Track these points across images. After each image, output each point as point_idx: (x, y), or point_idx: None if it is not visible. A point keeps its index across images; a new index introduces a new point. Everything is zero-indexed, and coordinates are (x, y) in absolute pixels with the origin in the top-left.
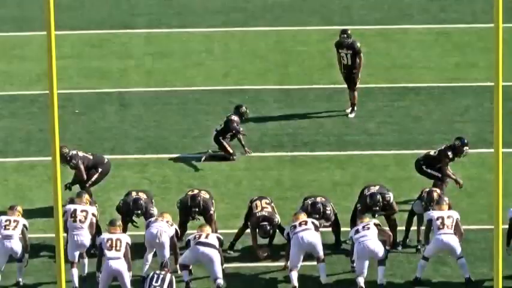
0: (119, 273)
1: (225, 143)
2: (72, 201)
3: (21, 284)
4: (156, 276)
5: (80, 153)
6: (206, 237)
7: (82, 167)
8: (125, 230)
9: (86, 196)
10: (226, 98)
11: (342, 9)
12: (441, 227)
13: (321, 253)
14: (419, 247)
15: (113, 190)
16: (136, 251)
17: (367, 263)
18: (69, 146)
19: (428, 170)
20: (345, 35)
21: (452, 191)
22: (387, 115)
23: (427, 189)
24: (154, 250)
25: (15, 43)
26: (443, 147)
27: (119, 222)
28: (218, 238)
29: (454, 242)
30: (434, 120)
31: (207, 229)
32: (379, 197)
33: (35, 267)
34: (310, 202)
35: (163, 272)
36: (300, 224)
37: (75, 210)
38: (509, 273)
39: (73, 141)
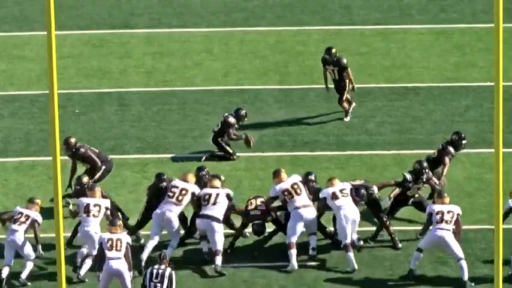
0: (119, 274)
1: (223, 144)
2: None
3: (21, 281)
4: (155, 272)
5: (86, 145)
6: (214, 203)
7: (91, 153)
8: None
9: (98, 188)
10: (226, 98)
11: (342, 9)
12: (439, 221)
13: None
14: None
15: (113, 190)
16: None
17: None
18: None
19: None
20: (328, 55)
21: (453, 191)
22: (387, 115)
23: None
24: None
25: (15, 43)
26: (442, 146)
27: (120, 222)
28: (227, 195)
29: (449, 237)
30: (434, 120)
31: (216, 182)
32: (363, 191)
33: (35, 268)
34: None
35: (162, 267)
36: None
37: (88, 205)
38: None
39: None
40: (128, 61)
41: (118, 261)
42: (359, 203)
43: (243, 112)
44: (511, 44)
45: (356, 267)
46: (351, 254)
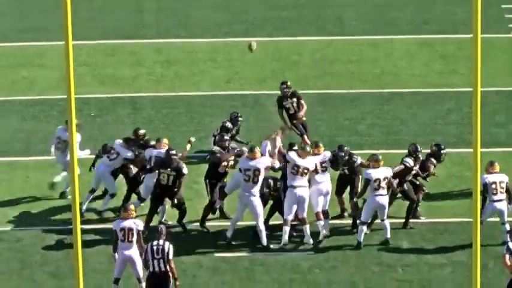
0: (131, 261)
1: None
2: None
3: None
4: (155, 248)
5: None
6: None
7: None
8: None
9: (165, 140)
10: (229, 102)
11: (335, 21)
12: (377, 187)
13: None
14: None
15: (125, 186)
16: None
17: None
18: (86, 145)
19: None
20: (285, 86)
21: (436, 187)
22: (376, 118)
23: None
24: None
25: (36, 52)
26: (425, 157)
27: (132, 206)
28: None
29: (384, 202)
30: (419, 122)
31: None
32: (346, 149)
33: (55, 257)
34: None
35: (161, 242)
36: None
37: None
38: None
39: (89, 141)
40: (139, 69)
41: (130, 250)
42: (340, 165)
43: (237, 116)
44: (488, 52)
45: (327, 233)
46: (321, 222)
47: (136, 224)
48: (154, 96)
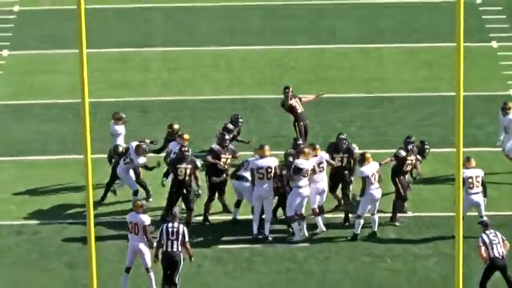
0: (140, 252)
1: None
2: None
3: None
4: (170, 230)
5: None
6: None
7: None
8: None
9: (186, 136)
10: (230, 105)
11: (328, 31)
12: (372, 182)
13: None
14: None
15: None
16: None
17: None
18: (99, 146)
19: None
20: (288, 90)
21: (422, 183)
22: (366, 120)
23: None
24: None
25: (53, 59)
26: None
27: (138, 202)
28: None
29: (379, 195)
30: (405, 124)
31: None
32: (345, 135)
33: (70, 248)
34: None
35: (175, 224)
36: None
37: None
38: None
39: (102, 141)
40: (147, 74)
41: (138, 242)
42: (340, 152)
43: (239, 118)
44: (470, 60)
45: (323, 229)
46: (319, 218)
47: (143, 219)
48: (162, 100)
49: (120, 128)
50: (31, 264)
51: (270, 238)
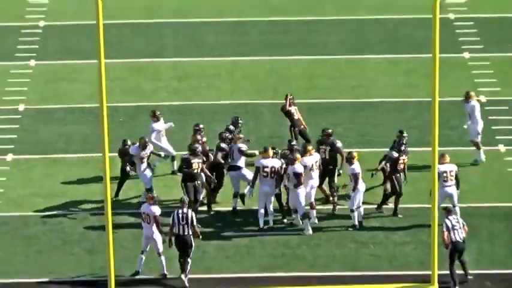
0: (152, 238)
1: None
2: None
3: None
4: (180, 215)
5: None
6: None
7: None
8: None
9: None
10: (232, 110)
11: (319, 44)
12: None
13: None
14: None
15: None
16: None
17: None
18: (115, 145)
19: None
20: (288, 97)
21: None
22: (352, 122)
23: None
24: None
25: (74, 69)
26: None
27: (151, 195)
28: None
29: (364, 189)
30: (387, 126)
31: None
32: (330, 131)
33: (90, 236)
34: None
35: (185, 210)
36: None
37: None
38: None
39: (118, 141)
40: (159, 82)
41: (150, 230)
42: (324, 144)
43: (238, 120)
44: (444, 69)
45: (316, 221)
46: (314, 211)
47: (154, 210)
48: (171, 105)
49: (156, 125)
50: (56, 251)
51: (265, 227)
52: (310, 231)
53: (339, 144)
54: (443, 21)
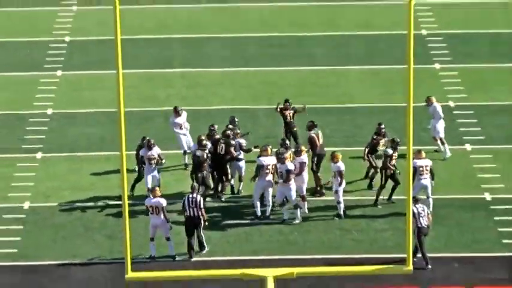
0: (159, 226)
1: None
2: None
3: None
4: (190, 199)
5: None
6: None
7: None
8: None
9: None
10: (233, 114)
11: (308, 56)
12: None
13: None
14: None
15: (160, 170)
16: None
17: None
18: (131, 144)
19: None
20: (286, 102)
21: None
22: (338, 124)
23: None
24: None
25: (96, 78)
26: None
27: (158, 189)
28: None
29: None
30: (369, 128)
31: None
32: (311, 124)
33: (110, 224)
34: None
35: (194, 195)
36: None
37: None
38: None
39: (134, 141)
40: (169, 90)
41: (157, 219)
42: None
43: (235, 119)
44: (418, 78)
45: (306, 211)
46: (305, 203)
47: (161, 201)
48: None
49: (177, 119)
50: (79, 237)
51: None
52: (298, 220)
53: (312, 135)
54: (416, 36)
